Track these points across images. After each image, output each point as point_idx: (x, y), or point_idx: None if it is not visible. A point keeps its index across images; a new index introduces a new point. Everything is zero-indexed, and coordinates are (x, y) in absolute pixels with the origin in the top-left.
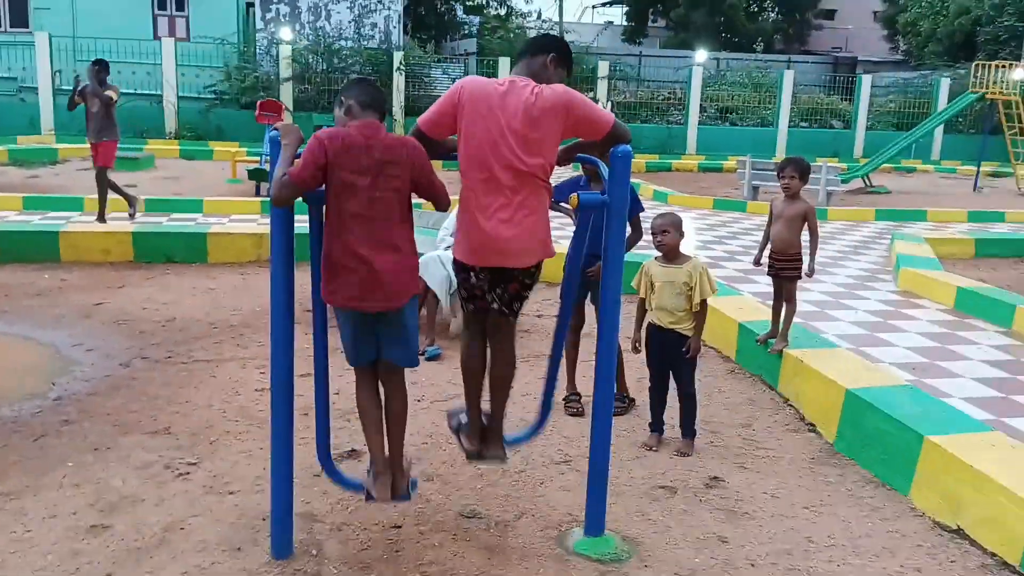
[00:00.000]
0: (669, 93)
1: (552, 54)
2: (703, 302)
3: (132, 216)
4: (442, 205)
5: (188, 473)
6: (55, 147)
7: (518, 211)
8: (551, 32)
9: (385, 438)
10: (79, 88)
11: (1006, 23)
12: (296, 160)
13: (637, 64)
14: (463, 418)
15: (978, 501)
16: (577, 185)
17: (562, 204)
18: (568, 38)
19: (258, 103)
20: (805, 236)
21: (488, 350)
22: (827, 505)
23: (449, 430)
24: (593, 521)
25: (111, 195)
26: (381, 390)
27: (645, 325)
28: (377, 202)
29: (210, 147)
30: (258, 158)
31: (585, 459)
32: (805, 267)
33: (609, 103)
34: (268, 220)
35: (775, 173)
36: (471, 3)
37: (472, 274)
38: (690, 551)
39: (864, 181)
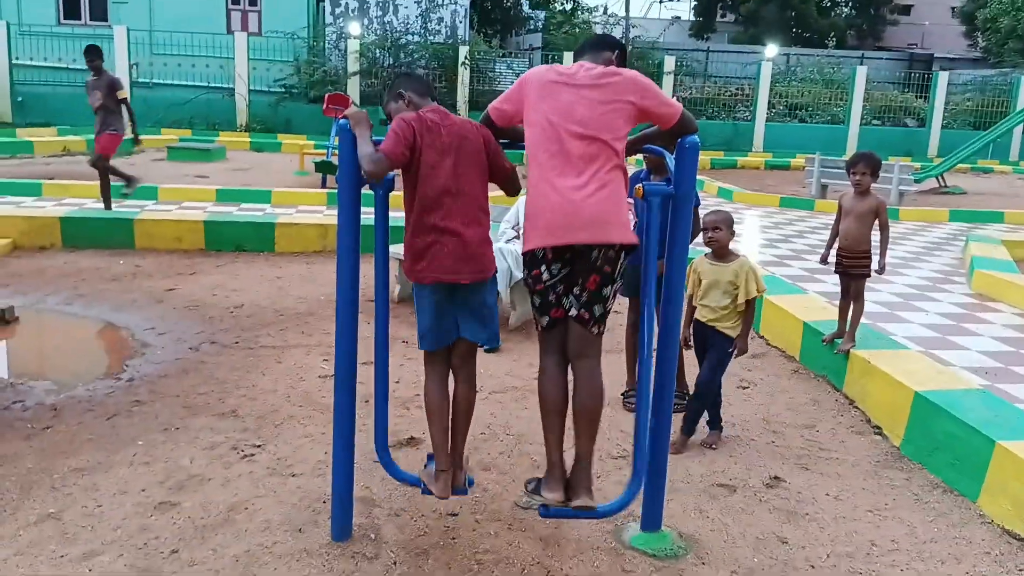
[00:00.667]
0: (737, 89)
1: (616, 51)
2: (749, 301)
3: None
4: (512, 187)
5: (253, 455)
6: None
7: (592, 182)
8: (613, 31)
9: (449, 432)
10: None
11: None
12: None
13: (704, 59)
14: (540, 476)
15: None
16: (638, 179)
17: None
18: (634, 33)
19: (326, 96)
20: (875, 235)
21: (570, 378)
22: (891, 509)
23: (525, 493)
24: (650, 516)
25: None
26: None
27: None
28: (463, 177)
29: (279, 140)
30: (325, 151)
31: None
32: (875, 264)
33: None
34: (334, 211)
35: (844, 170)
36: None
37: (545, 268)
38: (748, 550)
39: (938, 181)
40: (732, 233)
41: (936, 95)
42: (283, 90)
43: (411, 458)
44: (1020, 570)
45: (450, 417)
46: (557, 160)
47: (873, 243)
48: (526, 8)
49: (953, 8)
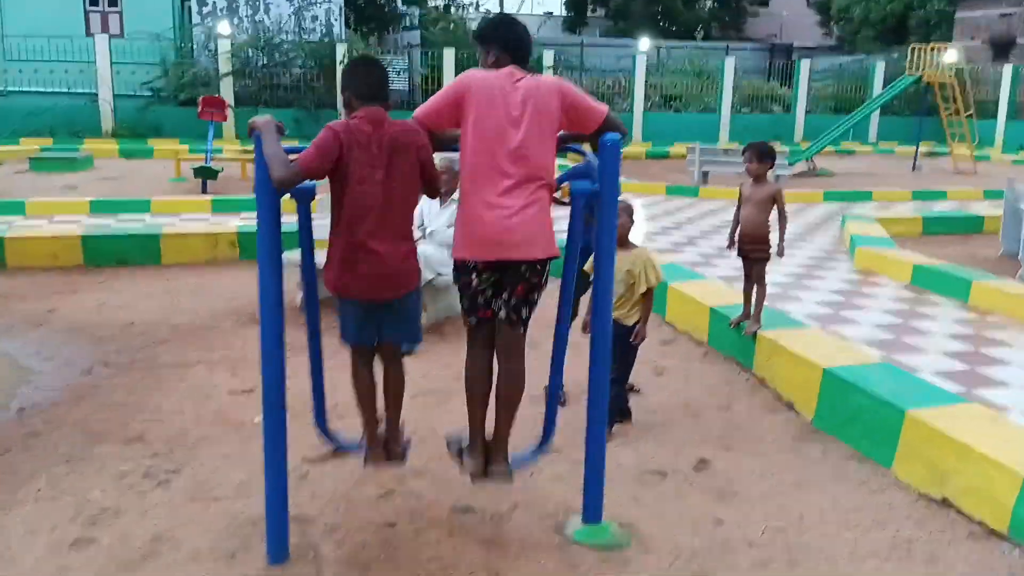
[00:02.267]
0: (613, 81)
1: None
2: (647, 292)
3: None
4: (433, 191)
5: (168, 481)
6: None
7: (523, 202)
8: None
9: (375, 414)
10: None
11: (936, 7)
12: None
13: (579, 53)
14: (464, 440)
15: (963, 471)
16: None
17: (554, 196)
18: None
19: (201, 99)
20: (774, 218)
21: (494, 366)
22: (814, 482)
23: (449, 452)
24: (591, 508)
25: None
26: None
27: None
28: (390, 192)
29: (149, 145)
30: (203, 155)
31: (573, 447)
32: (774, 248)
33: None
34: (221, 218)
35: (724, 158)
36: None
37: (475, 275)
38: (687, 534)
39: (808, 164)
40: (631, 221)
41: (800, 83)
42: (151, 94)
43: (333, 472)
44: (941, 531)
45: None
46: (492, 175)
47: (773, 227)
48: (400, 5)
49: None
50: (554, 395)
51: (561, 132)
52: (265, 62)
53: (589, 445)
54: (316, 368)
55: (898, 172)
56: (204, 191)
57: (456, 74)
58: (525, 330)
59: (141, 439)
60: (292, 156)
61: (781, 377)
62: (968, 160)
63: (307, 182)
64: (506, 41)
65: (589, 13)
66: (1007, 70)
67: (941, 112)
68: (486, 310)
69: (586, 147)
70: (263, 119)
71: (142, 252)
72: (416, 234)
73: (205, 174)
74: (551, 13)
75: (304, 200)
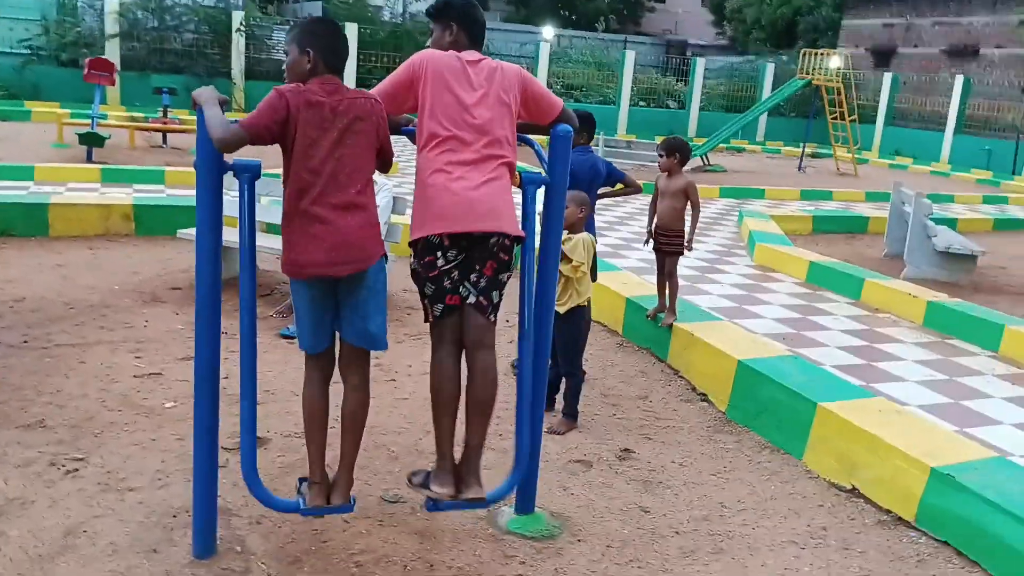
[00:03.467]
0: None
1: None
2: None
3: None
4: (387, 166)
5: (77, 470)
6: None
7: (486, 176)
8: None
9: (324, 446)
10: None
11: (824, 13)
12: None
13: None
14: (429, 468)
15: (872, 462)
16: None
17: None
18: (417, 7)
19: (87, 61)
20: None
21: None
22: (731, 471)
23: (412, 487)
24: (524, 499)
25: None
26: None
27: None
28: (343, 160)
29: (27, 107)
30: (88, 121)
31: (497, 437)
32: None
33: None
34: (112, 189)
35: (625, 149)
36: None
37: (440, 254)
38: (616, 523)
39: (703, 160)
40: (581, 211)
41: (695, 79)
42: (29, 51)
43: (262, 460)
44: (852, 519)
45: (329, 427)
46: (455, 148)
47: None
48: None
49: None
50: (523, 408)
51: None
52: (156, 25)
53: (522, 436)
54: (248, 391)
55: (785, 171)
56: (89, 159)
57: (357, 49)
58: (495, 319)
59: (43, 424)
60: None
61: (695, 368)
62: (850, 162)
63: (251, 159)
64: (468, 20)
65: None
66: (887, 78)
67: (827, 115)
68: (453, 295)
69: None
70: (206, 90)
71: (29, 223)
72: None
73: (91, 141)
74: None
75: (246, 177)
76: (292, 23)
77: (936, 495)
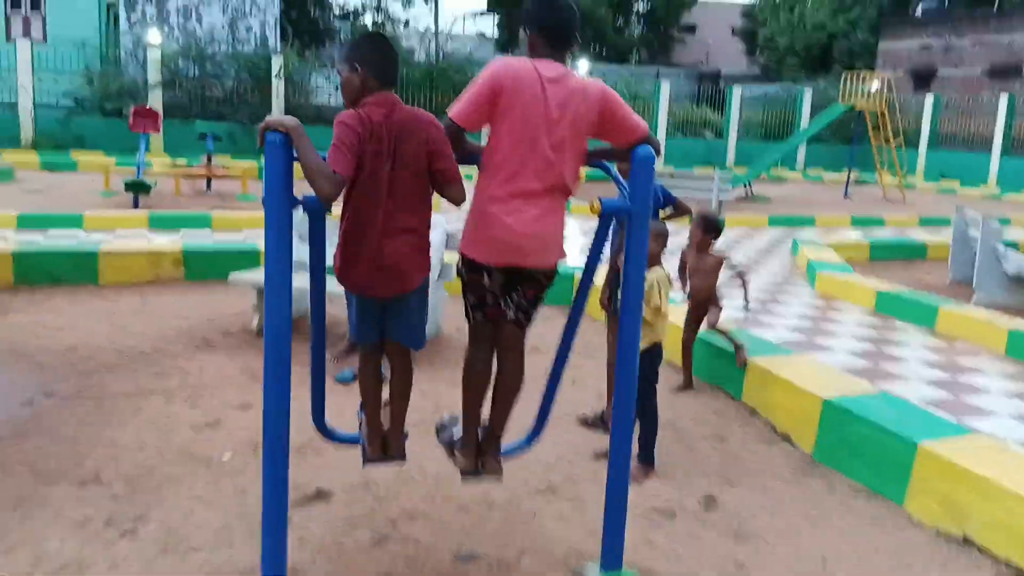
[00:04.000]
0: None
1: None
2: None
3: None
4: (458, 197)
5: (135, 529)
6: None
7: (543, 210)
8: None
9: (381, 412)
10: None
11: (860, 37)
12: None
13: None
14: (455, 431)
15: (985, 508)
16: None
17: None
18: (451, 47)
19: (132, 110)
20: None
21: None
22: (826, 519)
23: (440, 443)
24: (611, 555)
25: None
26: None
27: None
28: (394, 183)
29: (73, 158)
30: (133, 168)
31: (571, 484)
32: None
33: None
34: (159, 235)
35: (671, 183)
36: (343, 10)
37: (486, 275)
38: None
39: (746, 189)
40: (658, 242)
41: (732, 108)
42: (74, 103)
43: (319, 514)
44: (967, 572)
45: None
46: (518, 179)
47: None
48: (331, 20)
49: (733, 28)
50: (552, 387)
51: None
52: (197, 73)
53: (611, 485)
54: (317, 368)
55: (830, 198)
56: (136, 206)
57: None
58: (527, 328)
59: (98, 479)
60: None
61: (775, 407)
62: (896, 188)
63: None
64: (546, 24)
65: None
66: (929, 100)
67: (871, 140)
68: (495, 309)
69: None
70: (289, 119)
71: (78, 270)
72: None
73: (137, 188)
74: (483, 34)
75: (319, 215)
76: (330, 66)
77: None
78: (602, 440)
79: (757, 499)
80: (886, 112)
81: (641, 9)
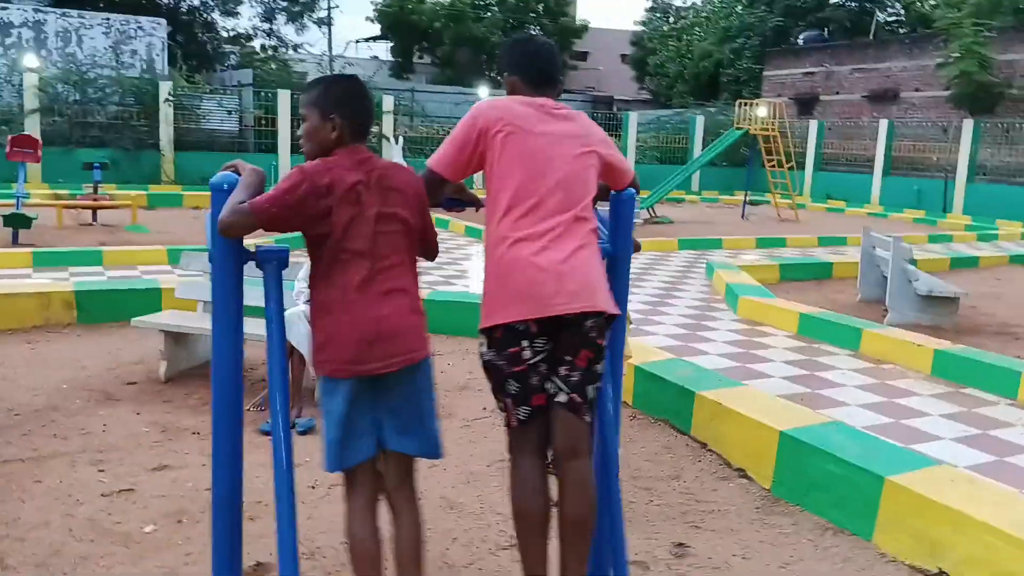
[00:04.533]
0: (451, 128)
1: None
2: None
3: None
4: (433, 253)
5: None
6: None
7: (574, 246)
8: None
9: None
10: None
11: (744, 65)
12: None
13: (411, 99)
14: None
15: (959, 541)
16: None
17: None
18: (350, 71)
19: (9, 139)
20: None
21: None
22: (798, 561)
23: None
24: None
25: None
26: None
27: None
28: (382, 239)
29: None
30: (12, 201)
31: None
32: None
33: (400, 138)
34: (45, 273)
35: None
36: (233, 33)
37: (527, 344)
38: None
39: (649, 212)
40: None
41: (629, 133)
42: None
43: None
44: None
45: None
46: (536, 221)
47: None
48: (222, 44)
49: (623, 55)
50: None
51: None
52: (78, 98)
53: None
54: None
55: (729, 220)
56: (15, 242)
57: (291, 115)
58: (592, 421)
59: (3, 565)
60: None
61: (728, 441)
62: (790, 208)
63: (277, 245)
64: (524, 64)
65: (416, 60)
66: (813, 125)
67: (764, 163)
68: (540, 393)
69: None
70: (251, 167)
71: None
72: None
73: (17, 222)
74: (376, 57)
75: (271, 266)
76: (308, 85)
77: None
78: None
79: (726, 543)
80: (778, 136)
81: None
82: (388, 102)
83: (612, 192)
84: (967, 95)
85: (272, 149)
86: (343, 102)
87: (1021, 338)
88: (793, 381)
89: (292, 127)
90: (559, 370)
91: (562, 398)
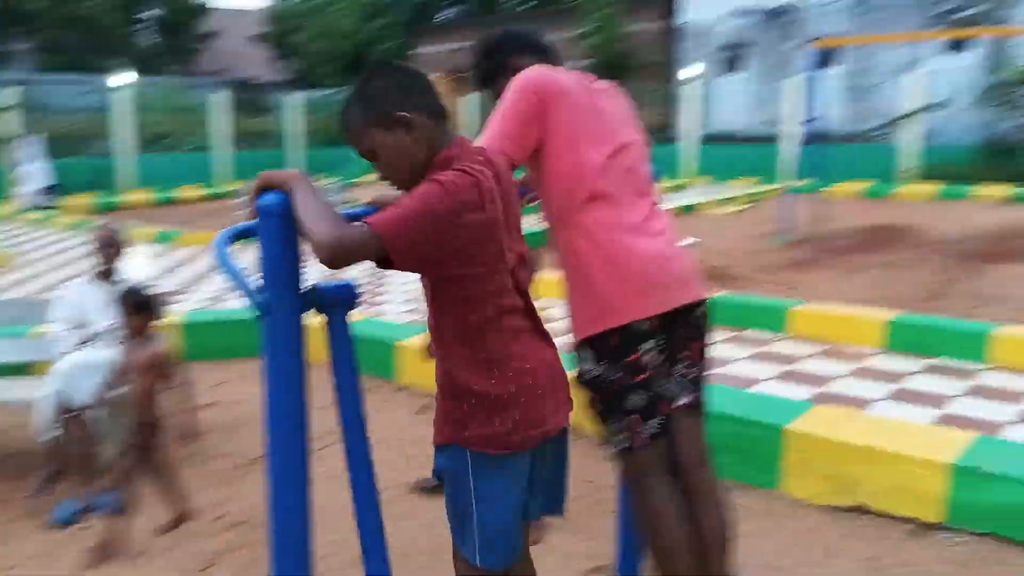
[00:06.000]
0: (87, 121)
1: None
2: None
3: None
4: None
5: None
6: None
7: (666, 224)
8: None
9: None
10: None
11: (390, 44)
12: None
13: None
14: None
15: (875, 474)
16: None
17: None
18: None
19: None
20: None
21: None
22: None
23: None
24: None
25: None
26: None
27: None
28: (514, 267)
29: None
30: None
31: None
32: None
33: (35, 136)
34: None
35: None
36: None
37: (648, 344)
38: None
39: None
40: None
41: (286, 118)
42: None
43: None
44: (882, 539)
45: None
46: (625, 192)
47: None
48: None
49: (258, 35)
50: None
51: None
52: None
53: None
54: None
55: None
56: None
57: None
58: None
59: None
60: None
61: None
62: None
63: (339, 282)
64: (522, 41)
65: (10, 46)
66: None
67: None
68: (668, 400)
69: None
70: (289, 172)
71: None
72: (71, 338)
73: None
74: None
75: (338, 311)
76: (341, 115)
77: (965, 490)
78: None
79: None
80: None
81: (151, 16)
82: (12, 96)
83: None
84: (604, 64)
85: None
86: (407, 94)
87: (739, 278)
88: None
89: None
90: (677, 369)
91: (683, 400)
